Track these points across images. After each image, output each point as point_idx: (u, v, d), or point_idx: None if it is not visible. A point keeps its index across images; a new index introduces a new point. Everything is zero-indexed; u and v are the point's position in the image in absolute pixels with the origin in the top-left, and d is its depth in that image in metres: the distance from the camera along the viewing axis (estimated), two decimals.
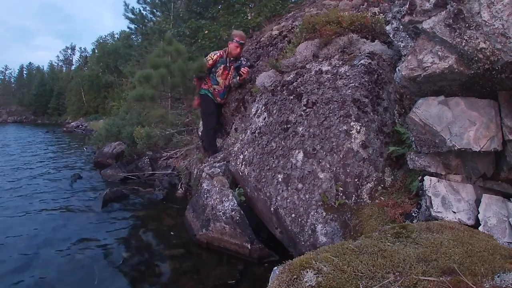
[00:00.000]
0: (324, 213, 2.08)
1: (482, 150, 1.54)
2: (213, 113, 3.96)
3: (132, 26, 14.90)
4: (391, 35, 2.13)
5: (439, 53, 1.55)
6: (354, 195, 2.10)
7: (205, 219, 2.79)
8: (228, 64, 3.84)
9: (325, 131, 2.28)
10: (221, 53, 3.85)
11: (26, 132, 18.78)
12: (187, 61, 4.12)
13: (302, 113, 2.47)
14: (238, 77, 3.84)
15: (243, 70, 3.73)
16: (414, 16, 1.64)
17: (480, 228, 1.48)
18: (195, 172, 4.05)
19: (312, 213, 2.12)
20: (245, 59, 3.88)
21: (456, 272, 0.94)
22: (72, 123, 25.18)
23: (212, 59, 3.81)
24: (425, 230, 1.25)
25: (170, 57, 4.27)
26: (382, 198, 2.06)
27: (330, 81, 2.47)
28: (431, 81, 1.65)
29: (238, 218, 2.64)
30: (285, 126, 2.53)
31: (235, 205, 2.72)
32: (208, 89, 3.92)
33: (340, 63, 2.57)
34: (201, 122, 4.72)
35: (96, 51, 29.51)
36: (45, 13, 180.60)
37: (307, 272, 0.97)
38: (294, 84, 2.69)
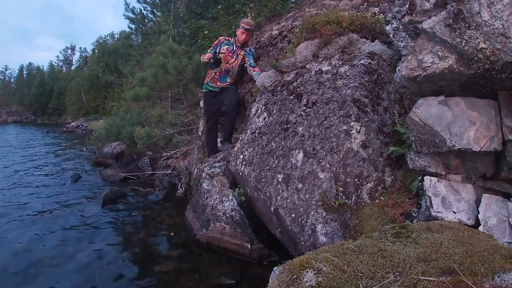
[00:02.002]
0: (324, 213, 2.08)
1: (482, 150, 1.54)
2: (214, 112, 3.84)
3: (132, 26, 14.94)
4: (391, 35, 2.13)
5: (439, 53, 1.56)
6: (354, 195, 2.10)
7: (205, 219, 2.79)
8: (233, 48, 3.73)
9: (325, 131, 2.28)
10: (228, 38, 3.85)
11: (26, 132, 18.78)
12: (183, 59, 4.14)
13: (302, 113, 2.47)
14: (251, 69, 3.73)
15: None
16: (414, 16, 1.64)
17: (480, 228, 1.48)
18: (195, 172, 4.05)
19: (312, 213, 2.12)
20: (252, 49, 3.87)
21: (456, 272, 0.94)
22: (72, 123, 25.19)
23: (217, 39, 3.83)
24: (425, 230, 1.25)
25: (168, 57, 4.29)
26: (382, 198, 2.06)
27: (330, 81, 2.47)
28: (431, 81, 1.65)
29: (238, 218, 2.64)
30: (285, 126, 2.53)
31: (235, 205, 2.72)
32: (208, 82, 3.85)
33: (340, 63, 2.57)
34: (201, 122, 4.72)
35: (96, 51, 29.52)
36: (47, 13, 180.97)
37: (307, 272, 0.97)
38: (294, 84, 2.69)
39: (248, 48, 3.81)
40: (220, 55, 3.71)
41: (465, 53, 1.45)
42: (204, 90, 3.92)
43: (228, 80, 3.80)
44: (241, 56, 3.75)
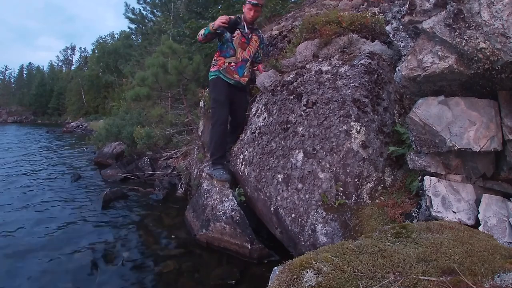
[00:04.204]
0: (324, 213, 2.08)
1: (482, 150, 1.54)
2: (224, 103, 3.01)
3: (132, 26, 14.97)
4: (391, 35, 2.13)
5: (439, 53, 1.56)
6: (354, 195, 2.10)
7: (205, 219, 2.79)
8: (246, 31, 3.06)
9: (325, 131, 2.28)
10: (236, 17, 3.07)
11: (26, 132, 18.77)
12: (183, 59, 4.13)
13: (302, 113, 2.47)
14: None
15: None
16: (414, 16, 1.64)
17: (480, 228, 1.48)
18: (195, 172, 4.04)
19: (312, 213, 2.12)
20: (263, 36, 3.26)
21: (456, 272, 0.94)
22: (72, 123, 25.20)
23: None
24: (425, 230, 1.25)
25: (168, 57, 4.30)
26: (382, 198, 2.06)
27: (330, 81, 2.47)
28: (431, 81, 1.65)
29: (238, 218, 2.64)
30: (285, 126, 2.53)
31: (235, 205, 2.72)
32: (218, 70, 3.07)
33: (340, 63, 2.57)
34: (201, 122, 4.68)
35: (96, 51, 29.53)
36: (48, 13, 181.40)
37: (307, 272, 0.97)
38: (294, 84, 2.69)
39: (261, 34, 3.23)
40: (235, 39, 3.02)
41: (465, 53, 1.45)
42: (213, 77, 3.11)
43: (245, 73, 3.12)
44: (257, 44, 3.17)
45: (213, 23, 2.87)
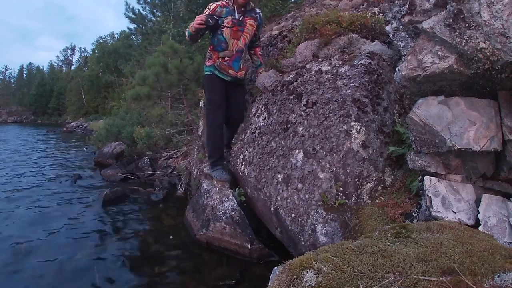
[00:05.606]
0: (324, 213, 2.08)
1: (482, 150, 1.54)
2: (220, 105, 2.82)
3: (132, 26, 14.97)
4: (391, 35, 2.14)
5: (439, 53, 1.56)
6: (354, 195, 2.10)
7: (205, 219, 2.78)
8: (237, 16, 2.71)
9: (325, 131, 2.28)
10: (224, 2, 2.72)
11: (26, 132, 18.78)
12: (184, 59, 4.13)
13: (302, 113, 2.47)
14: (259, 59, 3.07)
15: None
16: (414, 16, 1.65)
17: (480, 228, 1.48)
18: (195, 172, 4.04)
19: (312, 213, 2.12)
20: (261, 13, 2.91)
21: (456, 272, 0.94)
22: (72, 123, 25.22)
23: (210, 9, 2.69)
24: (425, 230, 1.25)
25: (169, 57, 4.31)
26: (382, 198, 2.06)
27: (330, 81, 2.47)
28: (431, 81, 1.65)
29: (238, 218, 2.64)
30: (285, 126, 2.53)
31: (235, 205, 2.71)
32: (213, 65, 2.82)
33: (340, 63, 2.57)
34: (201, 122, 4.68)
35: (96, 51, 29.55)
36: (48, 14, 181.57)
37: (307, 272, 0.97)
38: (294, 84, 2.69)
39: (258, 15, 2.85)
40: (224, 30, 2.69)
41: (465, 53, 1.45)
42: (208, 73, 2.87)
43: (242, 66, 2.86)
44: (253, 28, 2.82)
45: (192, 25, 2.60)
